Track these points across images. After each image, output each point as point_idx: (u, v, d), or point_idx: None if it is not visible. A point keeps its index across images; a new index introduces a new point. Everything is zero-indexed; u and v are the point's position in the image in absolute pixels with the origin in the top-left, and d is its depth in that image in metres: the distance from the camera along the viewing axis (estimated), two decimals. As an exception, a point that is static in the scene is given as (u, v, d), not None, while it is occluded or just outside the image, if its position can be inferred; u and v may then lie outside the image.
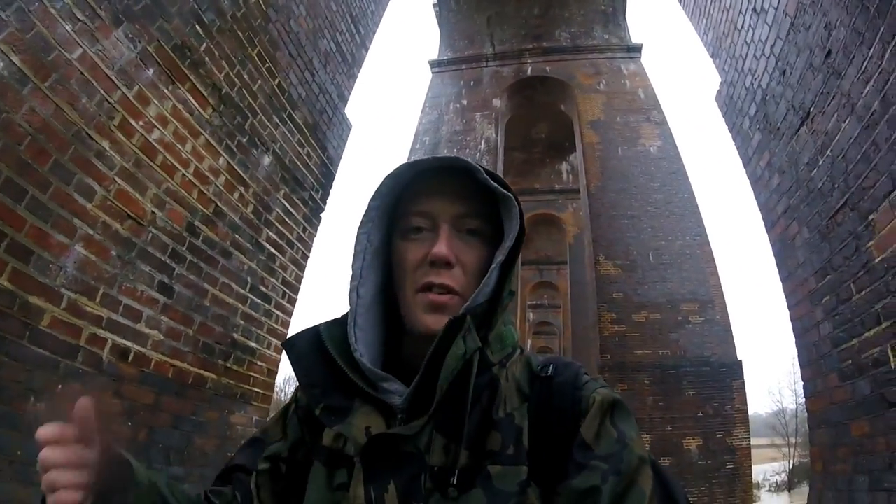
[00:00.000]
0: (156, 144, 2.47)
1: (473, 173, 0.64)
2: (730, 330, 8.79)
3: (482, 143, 11.67)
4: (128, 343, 2.24)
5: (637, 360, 8.53)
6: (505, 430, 0.58)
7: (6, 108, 1.66)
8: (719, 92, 3.46)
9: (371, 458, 0.58)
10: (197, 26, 2.64)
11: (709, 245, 9.43)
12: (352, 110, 4.45)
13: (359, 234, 0.68)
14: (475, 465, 0.56)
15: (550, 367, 0.65)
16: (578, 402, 0.60)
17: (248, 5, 3.03)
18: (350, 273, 0.67)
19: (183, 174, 2.67)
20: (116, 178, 2.23)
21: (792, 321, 2.58)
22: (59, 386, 1.86)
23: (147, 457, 2.32)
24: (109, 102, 2.15)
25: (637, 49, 12.61)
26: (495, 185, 0.64)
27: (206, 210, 2.83)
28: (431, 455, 0.58)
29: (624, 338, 8.77)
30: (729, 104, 2.61)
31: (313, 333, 0.67)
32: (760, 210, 2.37)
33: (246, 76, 3.12)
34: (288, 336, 0.70)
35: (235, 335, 3.08)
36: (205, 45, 2.72)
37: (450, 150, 11.51)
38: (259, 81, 3.25)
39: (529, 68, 13.06)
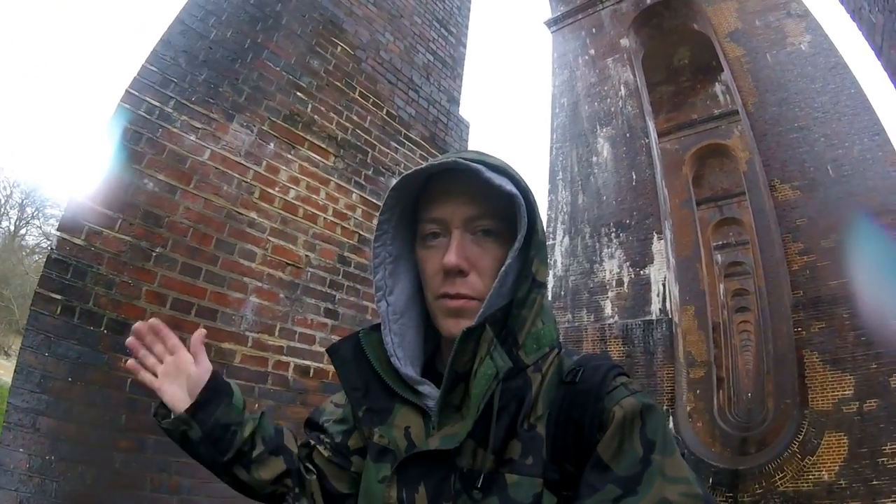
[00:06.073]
0: (294, 202, 2.99)
1: (477, 173, 0.59)
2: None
3: (621, 88, 10.75)
4: (307, 362, 2.76)
5: (832, 293, 7.18)
6: (527, 440, 0.57)
7: (167, 214, 2.27)
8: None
9: (403, 461, 0.60)
10: (298, 93, 3.11)
11: (890, 143, 7.50)
12: (468, 107, 4.57)
13: (374, 248, 0.69)
14: (496, 471, 0.56)
15: (578, 373, 0.61)
16: (599, 415, 0.56)
17: (336, 56, 3.43)
18: (374, 286, 0.69)
19: (324, 218, 3.16)
20: (270, 238, 2.79)
21: None
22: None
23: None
24: (246, 182, 2.71)
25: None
26: (499, 183, 0.59)
27: (351, 241, 3.28)
28: (461, 457, 0.58)
29: (815, 268, 7.45)
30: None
31: (354, 340, 0.70)
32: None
33: (355, 117, 3.51)
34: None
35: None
36: (310, 106, 3.18)
37: (590, 105, 10.89)
38: (368, 117, 3.62)
39: (648, -6, 11.64)
